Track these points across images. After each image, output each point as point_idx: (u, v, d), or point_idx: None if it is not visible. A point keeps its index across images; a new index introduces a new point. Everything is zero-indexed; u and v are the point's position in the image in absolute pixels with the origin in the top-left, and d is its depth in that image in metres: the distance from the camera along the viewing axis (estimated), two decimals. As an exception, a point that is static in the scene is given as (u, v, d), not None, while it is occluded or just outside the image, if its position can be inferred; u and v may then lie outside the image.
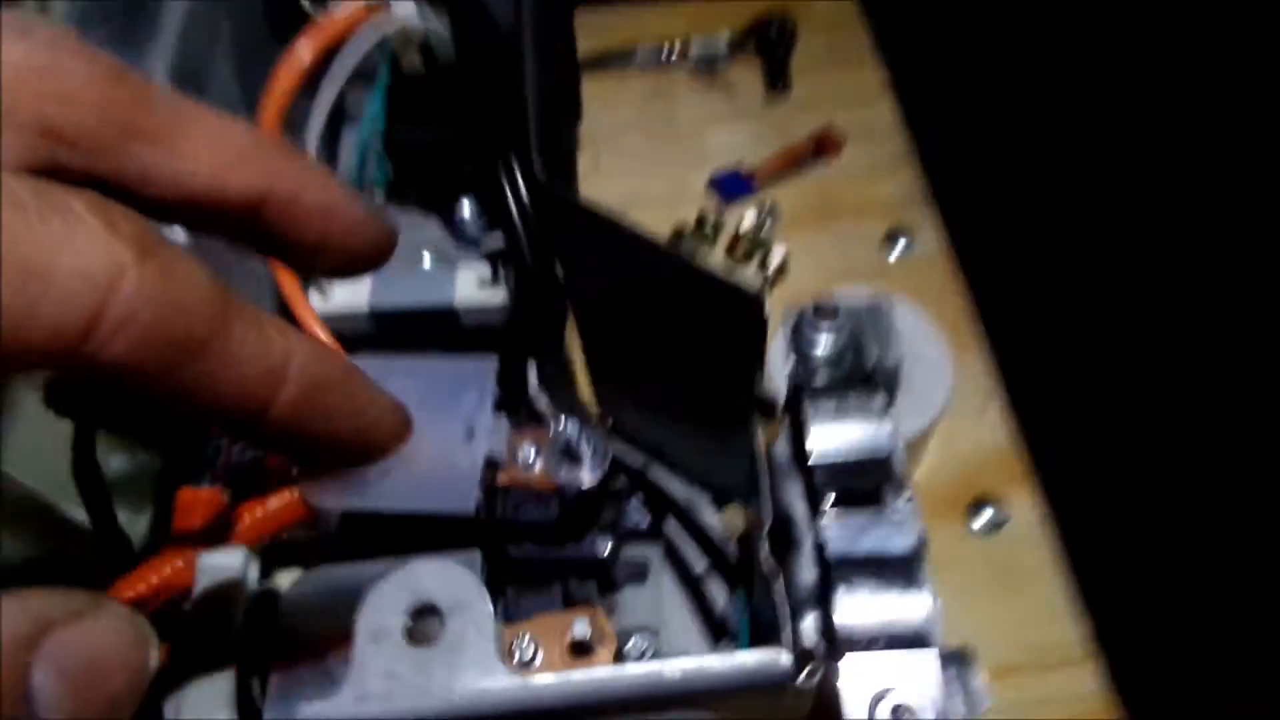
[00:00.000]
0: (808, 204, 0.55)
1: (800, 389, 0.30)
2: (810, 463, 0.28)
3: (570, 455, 0.31)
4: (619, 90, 0.61)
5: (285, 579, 0.29)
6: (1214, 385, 0.73)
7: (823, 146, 0.56)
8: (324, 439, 0.17)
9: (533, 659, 0.26)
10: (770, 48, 0.60)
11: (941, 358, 0.42)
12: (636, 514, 0.36)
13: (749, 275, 0.52)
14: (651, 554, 0.38)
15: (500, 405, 0.31)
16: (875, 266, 0.52)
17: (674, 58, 0.61)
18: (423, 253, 0.38)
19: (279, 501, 0.30)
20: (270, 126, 0.30)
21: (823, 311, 0.30)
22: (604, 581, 0.33)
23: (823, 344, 0.30)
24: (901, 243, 0.53)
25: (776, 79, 0.59)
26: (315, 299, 0.36)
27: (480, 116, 0.35)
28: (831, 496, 0.28)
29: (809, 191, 0.55)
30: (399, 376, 0.32)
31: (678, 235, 0.53)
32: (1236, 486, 0.70)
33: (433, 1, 0.34)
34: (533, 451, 0.31)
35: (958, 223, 0.54)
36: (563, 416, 0.31)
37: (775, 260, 0.51)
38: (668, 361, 0.33)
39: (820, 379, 0.30)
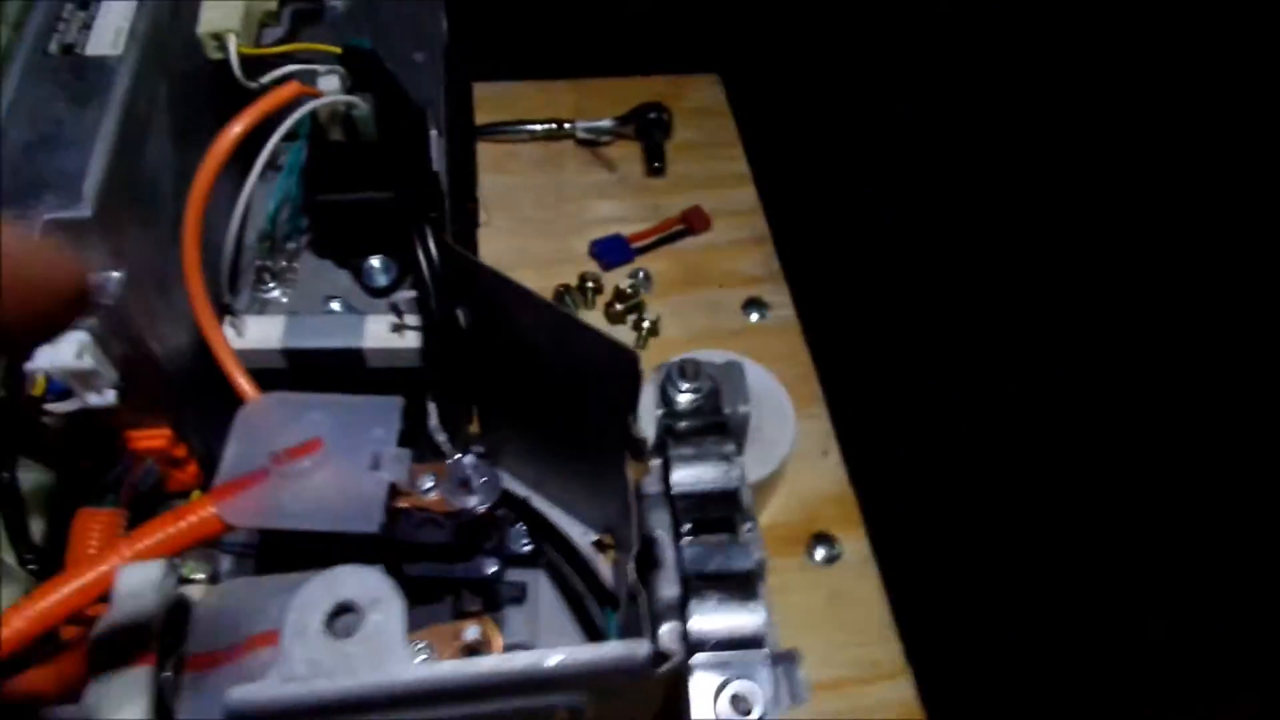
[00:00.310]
0: (678, 272, 0.62)
1: (667, 434, 0.35)
2: (674, 494, 0.34)
3: (464, 485, 0.35)
4: (512, 157, 0.67)
5: (198, 590, 0.32)
6: (1011, 442, 0.84)
7: (692, 222, 0.63)
8: None
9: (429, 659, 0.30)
10: (649, 133, 0.67)
11: (786, 413, 0.49)
12: (519, 540, 0.41)
13: (624, 333, 0.58)
14: (531, 577, 0.43)
15: (403, 440, 0.36)
16: (735, 329, 0.59)
17: (562, 131, 0.67)
18: (332, 302, 0.42)
19: (195, 516, 0.32)
20: (202, 190, 0.34)
21: (686, 370, 0.36)
22: (489, 600, 0.37)
23: (686, 397, 0.36)
24: (757, 310, 0.60)
25: (654, 161, 0.66)
26: (231, 335, 0.39)
27: (397, 184, 0.39)
28: (689, 525, 0.33)
29: (679, 261, 0.62)
30: (315, 412, 0.36)
31: (560, 294, 0.58)
32: (1037, 532, 0.81)
33: (359, 87, 0.38)
34: (430, 481, 0.36)
35: (805, 295, 0.62)
36: (458, 452, 0.35)
37: (648, 321, 0.58)
38: (552, 406, 0.38)
39: (683, 426, 0.36)
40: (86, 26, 0.35)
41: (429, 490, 0.36)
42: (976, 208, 0.84)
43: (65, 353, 0.32)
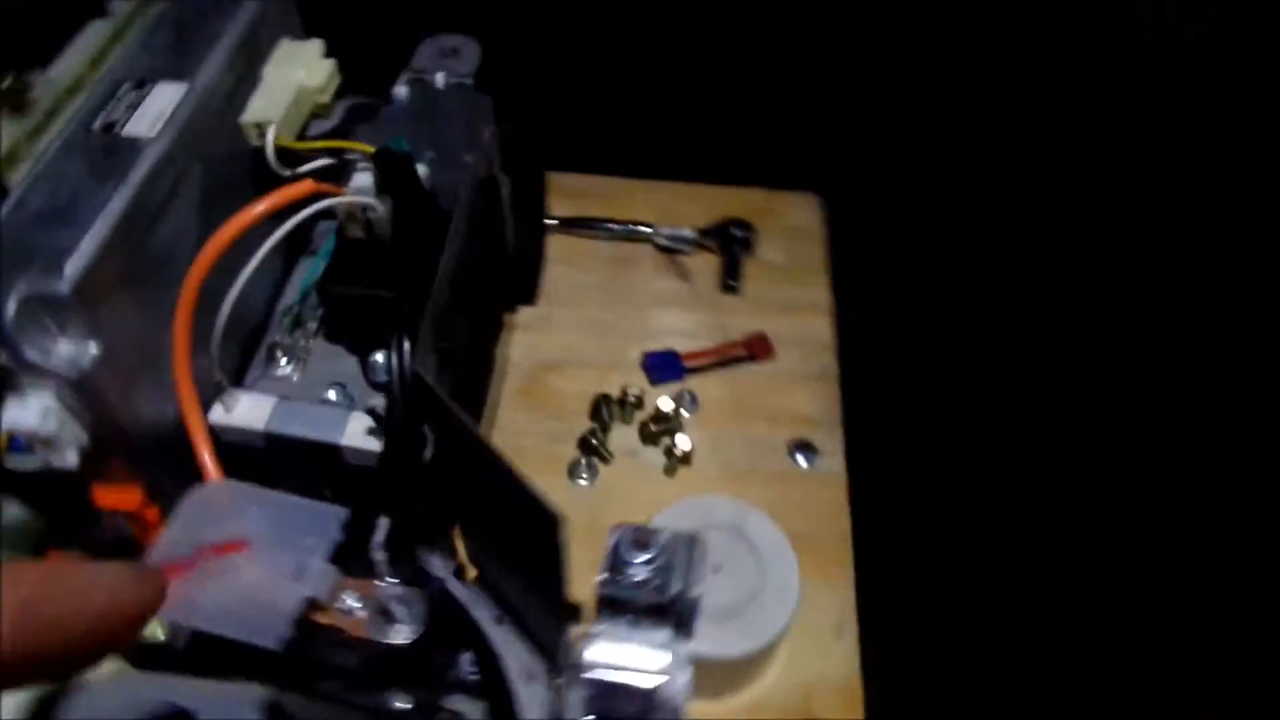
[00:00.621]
0: (728, 400, 0.59)
1: (607, 603, 0.33)
2: (584, 675, 0.31)
3: (385, 614, 0.33)
4: (587, 253, 0.66)
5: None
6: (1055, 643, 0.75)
7: (755, 349, 0.60)
8: (60, 645, 0.20)
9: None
10: (729, 247, 0.65)
11: (790, 585, 0.45)
12: (466, 668, 0.39)
13: (655, 456, 0.55)
14: (475, 709, 0.40)
15: (339, 553, 0.35)
16: (776, 472, 0.56)
17: (642, 234, 0.66)
18: (330, 388, 0.42)
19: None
20: (197, 274, 0.34)
21: (640, 540, 0.33)
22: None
23: (636, 568, 0.33)
24: (805, 455, 0.56)
25: (730, 277, 0.64)
26: (219, 411, 0.39)
27: (401, 286, 0.39)
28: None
29: (733, 388, 0.59)
30: (255, 506, 0.36)
31: (597, 404, 0.56)
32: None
33: (381, 190, 0.38)
34: (357, 602, 0.34)
35: (862, 445, 0.57)
36: (387, 578, 0.34)
37: (682, 449, 0.55)
38: (507, 543, 0.36)
39: (623, 597, 0.33)
40: (133, 107, 0.37)
41: (352, 611, 0.35)
42: (1077, 390, 0.77)
43: (30, 416, 0.33)
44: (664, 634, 0.32)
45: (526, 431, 0.57)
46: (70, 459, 0.35)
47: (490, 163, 0.44)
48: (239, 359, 0.43)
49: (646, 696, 0.31)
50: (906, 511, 0.71)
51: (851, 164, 0.72)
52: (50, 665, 0.20)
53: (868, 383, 0.62)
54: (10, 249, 0.32)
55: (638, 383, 0.59)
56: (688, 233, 0.66)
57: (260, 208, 0.35)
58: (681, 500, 0.48)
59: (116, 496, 0.39)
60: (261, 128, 0.39)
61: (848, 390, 0.60)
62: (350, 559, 0.36)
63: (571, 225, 0.66)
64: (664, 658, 0.32)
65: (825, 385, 0.60)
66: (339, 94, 0.44)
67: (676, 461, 0.55)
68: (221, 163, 0.39)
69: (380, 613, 0.34)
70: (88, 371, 0.33)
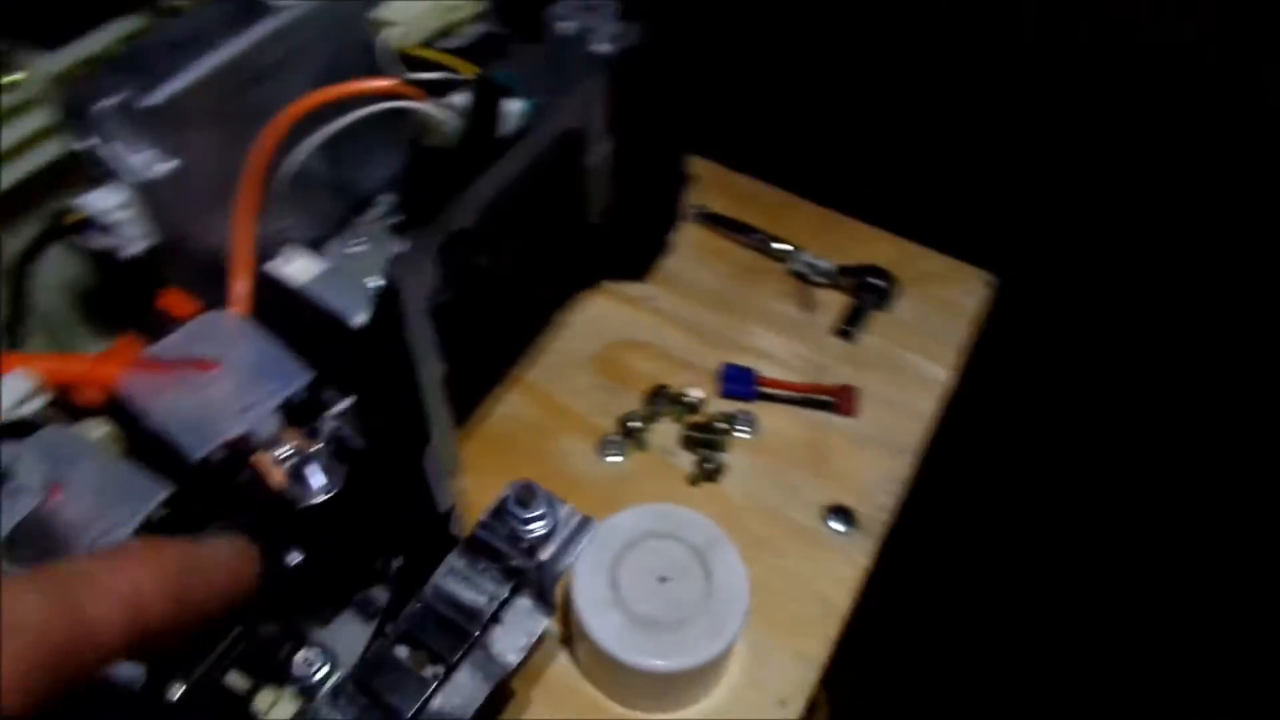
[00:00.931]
0: (787, 440, 0.56)
1: (473, 543, 0.33)
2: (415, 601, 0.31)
3: (297, 476, 0.36)
4: (717, 253, 0.65)
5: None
6: None
7: (841, 402, 0.57)
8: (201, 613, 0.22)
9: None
10: (861, 293, 0.62)
11: (729, 625, 0.42)
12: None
13: (684, 459, 0.54)
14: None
15: (294, 409, 0.38)
16: (802, 527, 0.52)
17: (781, 252, 0.64)
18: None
19: (94, 367, 0.37)
20: (286, 118, 0.38)
21: (526, 497, 0.33)
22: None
23: (516, 522, 0.33)
24: (841, 521, 0.52)
25: (849, 323, 0.61)
26: (277, 261, 0.44)
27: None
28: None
29: (798, 430, 0.57)
30: (247, 342, 0.39)
31: (655, 393, 0.56)
32: None
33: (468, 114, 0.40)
34: (289, 452, 0.37)
35: (905, 537, 0.53)
36: (314, 441, 0.36)
37: (715, 464, 0.53)
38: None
39: (496, 546, 0.33)
40: (290, -23, 0.42)
41: (282, 460, 0.37)
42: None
43: (106, 201, 0.39)
44: (497, 589, 0.32)
45: (580, 393, 0.57)
46: (134, 249, 0.40)
47: (585, 118, 0.45)
48: (334, 228, 0.48)
49: (461, 632, 0.31)
50: (923, 617, 0.64)
51: (1043, 253, 0.65)
52: (179, 640, 0.22)
53: (950, 480, 0.56)
54: (129, 61, 0.38)
55: (708, 389, 0.57)
56: (826, 265, 0.63)
57: (337, 90, 0.39)
58: (666, 504, 0.46)
59: (176, 304, 0.44)
60: (387, 24, 0.43)
61: (925, 478, 0.55)
62: (302, 419, 0.39)
63: (715, 221, 0.66)
64: (484, 606, 0.32)
65: (896, 462, 0.55)
66: (486, 18, 0.47)
67: (704, 474, 0.53)
68: (346, 48, 0.44)
69: (298, 473, 0.36)
70: (154, 181, 0.38)
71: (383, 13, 0.43)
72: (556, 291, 0.54)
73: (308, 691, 0.41)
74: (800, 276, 0.64)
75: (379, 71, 0.43)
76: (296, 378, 0.38)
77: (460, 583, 0.32)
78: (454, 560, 0.33)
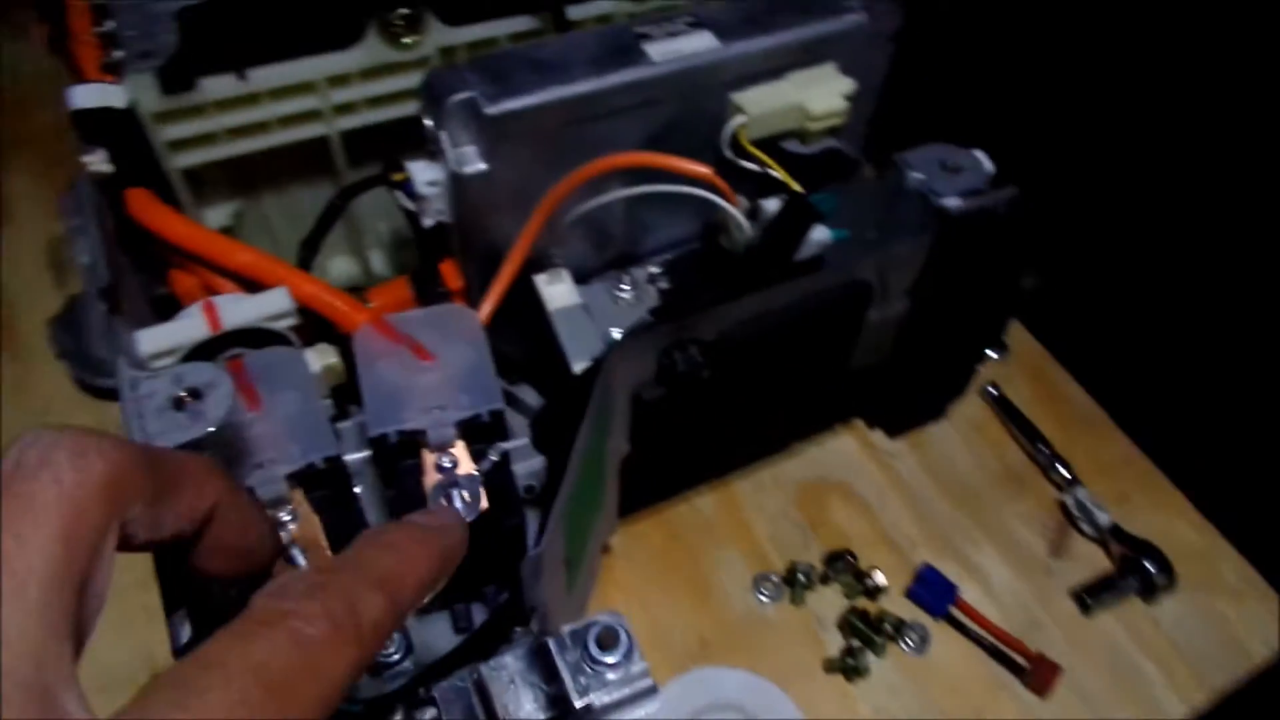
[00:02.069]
0: (952, 675, 0.49)
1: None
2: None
3: (447, 497, 0.37)
4: (992, 441, 0.59)
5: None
6: None
7: (1037, 673, 0.49)
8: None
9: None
10: (1126, 572, 0.52)
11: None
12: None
13: (832, 641, 0.50)
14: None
15: (473, 428, 0.39)
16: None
17: (1060, 478, 0.56)
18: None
19: (350, 306, 0.41)
20: (591, 169, 0.39)
21: (608, 639, 0.32)
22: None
23: (592, 658, 0.32)
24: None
25: (1092, 595, 0.52)
26: (541, 277, 0.45)
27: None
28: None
29: (968, 672, 0.50)
30: (467, 346, 0.41)
31: (836, 556, 0.52)
32: None
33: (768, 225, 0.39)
34: (446, 466, 0.38)
35: None
36: (476, 464, 0.37)
37: (858, 663, 0.48)
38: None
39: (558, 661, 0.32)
40: (671, 35, 0.42)
41: (442, 469, 0.39)
42: None
43: (423, 174, 0.42)
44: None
45: (768, 516, 0.54)
46: (430, 221, 0.43)
47: (892, 273, 0.41)
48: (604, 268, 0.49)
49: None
50: None
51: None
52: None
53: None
54: (492, 65, 0.40)
55: (896, 580, 0.52)
56: (1102, 517, 0.54)
57: (657, 160, 0.39)
58: (765, 682, 0.43)
59: (450, 275, 0.48)
60: (738, 110, 0.42)
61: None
62: (476, 438, 0.40)
63: (1003, 408, 0.59)
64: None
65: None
66: (841, 135, 0.44)
67: (844, 668, 0.49)
68: (695, 117, 0.43)
69: (447, 486, 0.37)
70: (464, 176, 0.40)
71: (741, 98, 0.42)
72: (797, 423, 0.51)
73: (376, 669, 0.43)
74: (1066, 513, 0.56)
75: (715, 150, 0.43)
76: (489, 401, 0.39)
77: (505, 686, 0.32)
78: (512, 659, 0.32)
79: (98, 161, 0.40)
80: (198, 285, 0.44)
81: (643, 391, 0.38)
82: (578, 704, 0.31)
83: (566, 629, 0.33)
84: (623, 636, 0.33)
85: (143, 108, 0.40)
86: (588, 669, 0.32)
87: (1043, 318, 0.64)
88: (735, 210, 0.40)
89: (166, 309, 0.45)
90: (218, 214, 0.47)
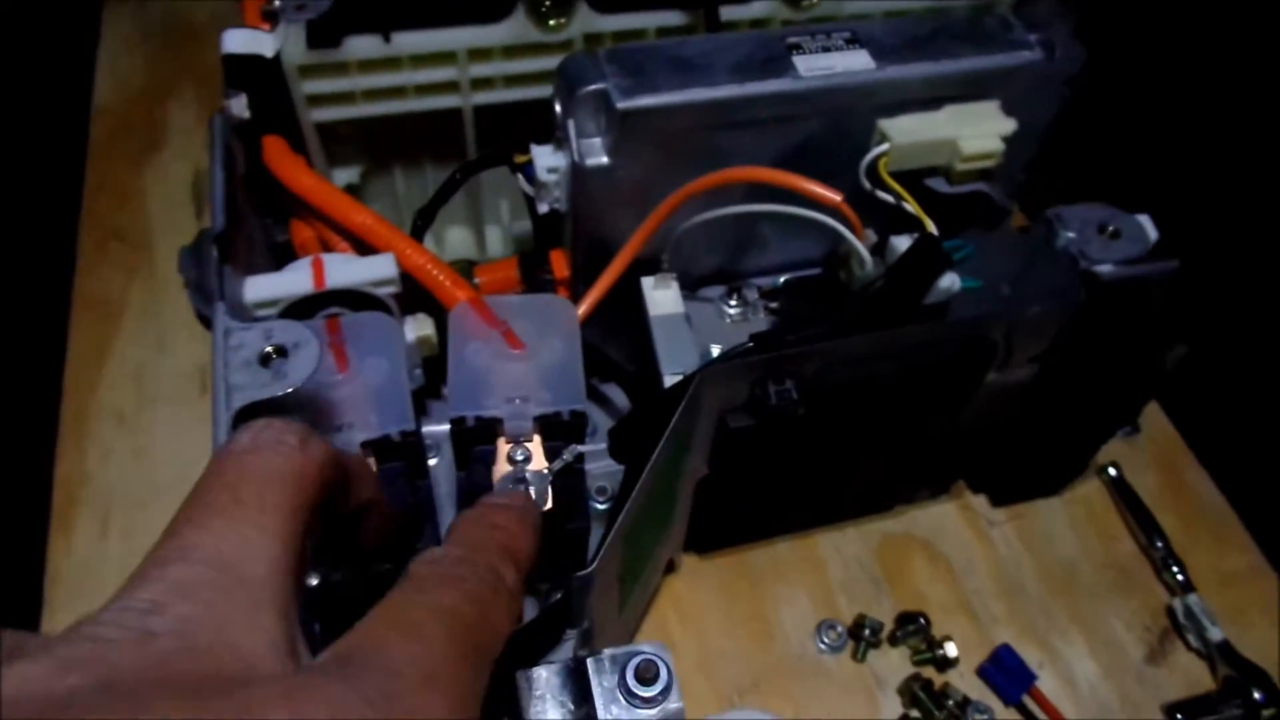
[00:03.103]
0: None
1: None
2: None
3: (519, 479, 0.36)
4: (1103, 528, 0.54)
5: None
6: None
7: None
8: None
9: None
10: (1228, 693, 0.47)
11: None
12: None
13: (892, 708, 0.46)
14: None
15: (551, 425, 0.38)
16: None
17: (1175, 580, 0.51)
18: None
19: (455, 284, 0.40)
20: (708, 180, 0.37)
21: (649, 673, 0.30)
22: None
23: (628, 689, 0.30)
24: None
25: (1187, 715, 0.47)
26: (648, 281, 0.43)
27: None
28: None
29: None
30: (561, 342, 0.39)
31: (908, 618, 0.48)
32: None
33: (893, 264, 0.36)
34: (517, 459, 0.37)
35: None
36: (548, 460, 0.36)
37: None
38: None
39: (594, 683, 0.30)
40: (825, 50, 0.40)
41: (514, 460, 0.38)
42: None
43: (544, 160, 0.41)
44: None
45: (844, 562, 0.51)
46: (548, 206, 0.42)
47: (1003, 332, 0.37)
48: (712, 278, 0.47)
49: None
50: None
51: None
52: None
53: None
54: (631, 58, 0.38)
55: (969, 656, 0.48)
56: (1214, 633, 0.49)
57: (785, 179, 0.36)
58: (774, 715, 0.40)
59: (558, 264, 0.46)
60: (883, 138, 0.39)
61: None
62: (554, 434, 0.38)
63: (1123, 495, 0.54)
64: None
65: None
66: (991, 180, 0.41)
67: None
68: (835, 136, 0.41)
69: (515, 479, 0.36)
70: (585, 168, 0.39)
71: (888, 125, 0.39)
72: (893, 482, 0.48)
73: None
74: (1173, 620, 0.50)
75: (853, 176, 0.40)
76: (572, 400, 0.38)
77: (535, 699, 0.30)
78: (547, 672, 0.31)
79: (238, 106, 0.40)
80: (314, 239, 0.44)
81: (730, 418, 0.36)
82: (608, 731, 0.30)
83: (608, 653, 0.32)
84: (663, 671, 0.31)
85: (288, 59, 0.41)
86: (622, 698, 0.31)
87: (1183, 400, 0.58)
88: (859, 243, 0.37)
89: (283, 257, 0.46)
90: (346, 173, 0.48)
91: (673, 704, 0.31)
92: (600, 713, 0.30)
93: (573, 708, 0.31)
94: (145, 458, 0.52)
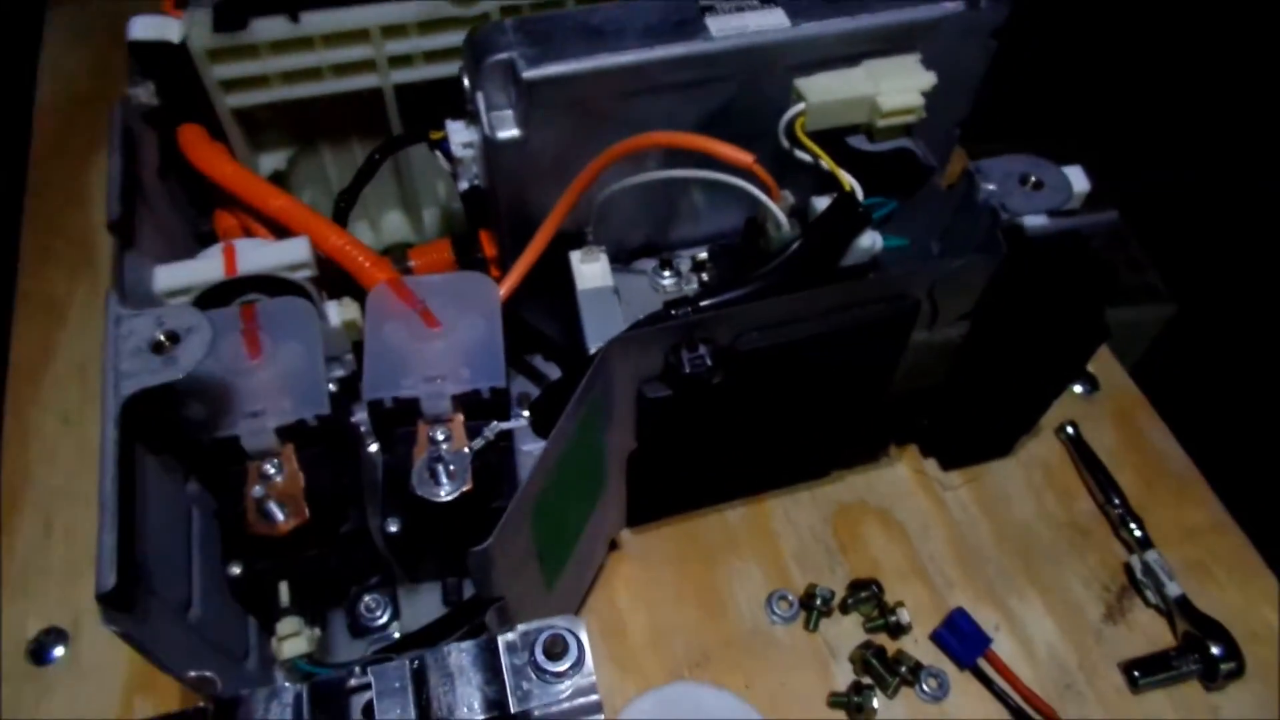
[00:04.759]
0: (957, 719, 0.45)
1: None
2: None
3: (432, 472, 0.35)
4: (1061, 487, 0.53)
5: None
6: None
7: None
8: None
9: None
10: (1185, 648, 0.46)
11: None
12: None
13: (843, 675, 0.46)
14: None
15: (473, 404, 0.37)
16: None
17: (1133, 537, 0.50)
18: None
19: (374, 266, 0.40)
20: (624, 146, 0.37)
21: (557, 648, 0.29)
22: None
23: (538, 665, 0.30)
24: None
25: (1145, 673, 0.46)
26: (575, 255, 0.43)
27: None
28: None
29: (981, 716, 0.45)
30: (479, 319, 0.39)
31: (860, 585, 0.48)
32: None
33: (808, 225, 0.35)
34: (440, 439, 0.37)
35: None
36: (469, 441, 0.36)
37: (865, 702, 0.44)
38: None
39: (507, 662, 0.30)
40: (739, 10, 0.39)
41: (435, 440, 0.37)
42: None
43: (457, 135, 0.40)
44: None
45: (797, 533, 0.51)
46: (468, 183, 0.42)
47: (926, 290, 0.37)
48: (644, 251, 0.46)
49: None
50: None
51: None
52: None
53: None
54: (537, 26, 0.37)
55: (923, 621, 0.47)
56: (1172, 588, 0.48)
57: (698, 142, 0.36)
58: (740, 698, 0.40)
59: (487, 243, 0.46)
60: (799, 96, 0.38)
61: None
62: (475, 414, 0.38)
63: (1080, 453, 0.53)
64: None
65: None
66: (912, 136, 0.40)
67: (849, 705, 0.45)
68: (754, 99, 0.40)
69: (434, 460, 0.36)
70: (498, 141, 0.38)
71: (805, 85, 0.38)
72: (833, 446, 0.47)
73: (362, 631, 0.42)
74: (1131, 577, 0.50)
75: (771, 138, 0.39)
76: (491, 378, 0.37)
77: (445, 680, 0.30)
78: (457, 652, 0.30)
79: (145, 94, 0.40)
80: (237, 227, 0.43)
81: (646, 388, 0.35)
82: (514, 709, 0.29)
83: (521, 628, 0.31)
84: (573, 645, 0.30)
85: (195, 43, 0.40)
86: (531, 675, 0.30)
87: (1147, 357, 0.57)
88: (774, 205, 0.36)
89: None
90: (272, 159, 0.47)
91: (585, 679, 0.30)
92: (510, 689, 0.30)
93: (485, 686, 0.30)
94: (90, 457, 0.52)
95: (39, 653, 0.44)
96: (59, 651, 0.45)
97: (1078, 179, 0.40)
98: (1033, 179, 0.37)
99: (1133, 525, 0.51)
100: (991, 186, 0.37)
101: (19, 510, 0.50)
